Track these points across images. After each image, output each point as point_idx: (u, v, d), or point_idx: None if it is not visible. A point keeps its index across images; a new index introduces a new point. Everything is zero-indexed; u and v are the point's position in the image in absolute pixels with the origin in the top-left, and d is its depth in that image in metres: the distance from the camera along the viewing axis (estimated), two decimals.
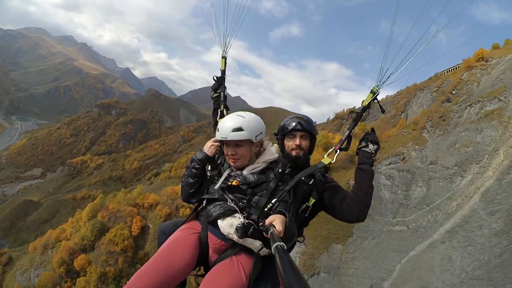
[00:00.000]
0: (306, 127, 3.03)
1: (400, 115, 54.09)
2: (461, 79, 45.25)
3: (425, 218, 32.68)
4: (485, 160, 33.67)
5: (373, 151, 2.95)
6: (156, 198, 57.06)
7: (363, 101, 3.05)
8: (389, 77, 2.93)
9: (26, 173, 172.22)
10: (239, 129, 2.61)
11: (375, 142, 2.97)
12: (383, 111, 3.79)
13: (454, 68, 52.75)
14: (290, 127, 3.05)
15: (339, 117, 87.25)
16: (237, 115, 2.73)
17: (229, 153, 2.72)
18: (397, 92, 63.34)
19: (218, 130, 2.71)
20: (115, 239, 48.47)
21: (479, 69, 45.10)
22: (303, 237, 3.18)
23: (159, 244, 2.83)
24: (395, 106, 57.17)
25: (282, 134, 3.12)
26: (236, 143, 2.68)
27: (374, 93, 2.99)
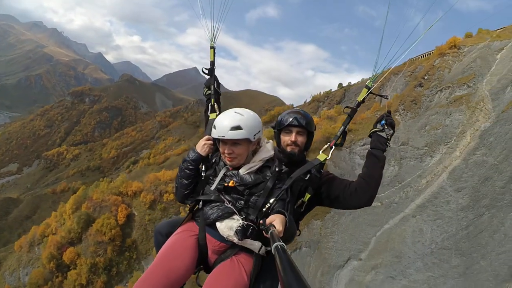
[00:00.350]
0: (303, 123, 2.94)
1: (374, 98, 55.18)
2: (433, 65, 45.96)
3: (397, 195, 33.84)
4: (453, 141, 34.70)
5: (389, 137, 2.87)
6: (139, 186, 56.75)
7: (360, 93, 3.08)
8: (381, 72, 2.99)
9: (2, 170, 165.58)
10: (238, 127, 2.49)
11: (392, 126, 2.89)
12: (386, 98, 3.61)
13: (427, 54, 53.52)
14: (286, 122, 2.97)
15: (316, 99, 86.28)
16: (235, 113, 2.58)
17: (225, 151, 2.59)
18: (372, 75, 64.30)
19: (214, 128, 2.56)
20: (102, 229, 48.10)
21: (451, 56, 45.71)
22: (299, 230, 2.99)
23: (157, 245, 2.80)
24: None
25: (278, 128, 3.05)
26: (234, 142, 2.56)
27: (368, 88, 2.99)
